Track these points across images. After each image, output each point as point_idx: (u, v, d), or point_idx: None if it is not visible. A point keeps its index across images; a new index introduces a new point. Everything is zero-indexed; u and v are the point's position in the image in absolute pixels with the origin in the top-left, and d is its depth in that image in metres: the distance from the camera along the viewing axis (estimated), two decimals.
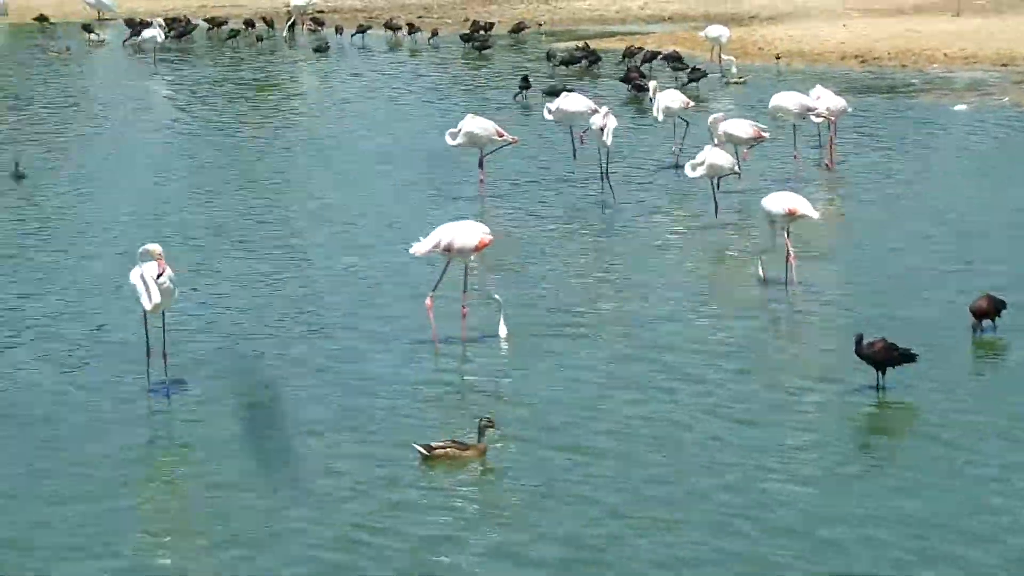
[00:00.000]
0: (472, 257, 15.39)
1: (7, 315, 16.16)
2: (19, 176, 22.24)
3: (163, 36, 33.04)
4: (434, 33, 35.37)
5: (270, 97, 29.54)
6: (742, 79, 29.35)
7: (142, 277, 13.50)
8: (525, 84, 27.81)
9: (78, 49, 34.73)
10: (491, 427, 12.38)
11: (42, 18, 38.50)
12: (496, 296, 15.16)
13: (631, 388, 13.88)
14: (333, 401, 13.63)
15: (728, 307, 16.37)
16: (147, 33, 33.17)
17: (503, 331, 15.07)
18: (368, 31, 36.06)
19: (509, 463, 12.32)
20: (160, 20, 33.90)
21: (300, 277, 17.49)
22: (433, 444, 12.24)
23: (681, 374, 14.15)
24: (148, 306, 13.57)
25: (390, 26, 36.12)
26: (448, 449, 12.22)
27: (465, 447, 12.26)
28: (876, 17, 35.44)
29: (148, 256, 13.45)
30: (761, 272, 16.73)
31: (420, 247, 15.21)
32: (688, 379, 14.02)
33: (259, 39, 35.83)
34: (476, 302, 15.49)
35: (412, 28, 35.85)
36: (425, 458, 12.19)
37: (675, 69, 29.66)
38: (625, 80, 28.52)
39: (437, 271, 15.27)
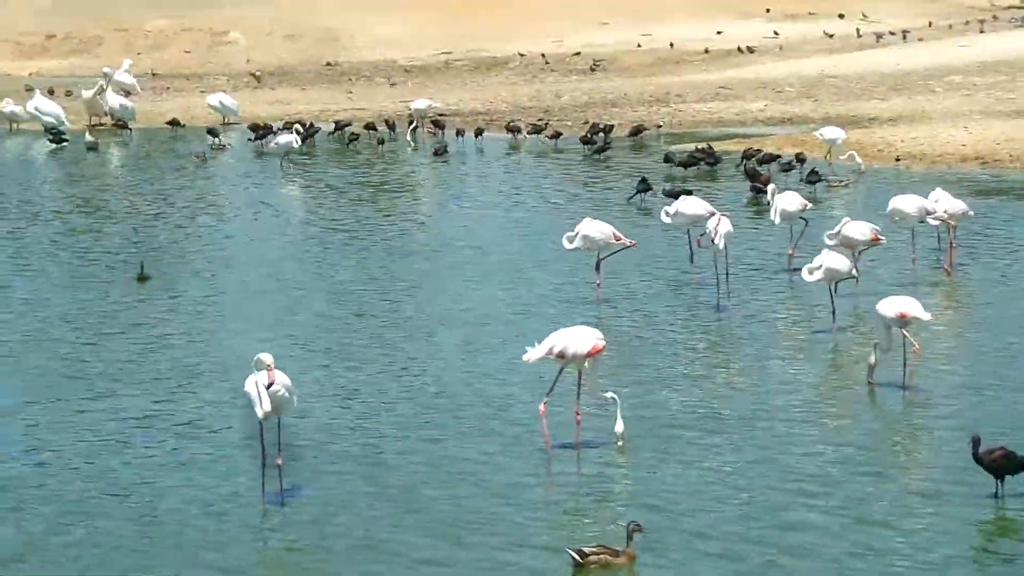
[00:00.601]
0: (586, 363, 15.40)
1: (127, 416, 16.35)
2: (143, 278, 22.58)
3: (299, 143, 33.37)
4: (554, 135, 35.60)
5: (392, 200, 29.80)
6: (844, 183, 29.23)
7: (256, 385, 13.68)
8: (644, 186, 27.87)
9: (207, 153, 35.27)
10: (639, 531, 12.42)
11: (174, 122, 39.17)
12: (612, 394, 15.12)
13: (754, 488, 13.91)
14: (460, 505, 13.70)
15: (844, 409, 16.31)
16: (283, 139, 33.50)
17: (619, 427, 15.02)
18: (488, 133, 36.42)
19: (661, 568, 12.36)
20: (298, 127, 34.25)
21: (415, 380, 17.55)
22: (585, 549, 12.29)
23: (803, 475, 14.20)
24: (260, 414, 13.75)
25: (510, 128, 36.41)
26: (602, 555, 12.23)
27: (617, 553, 12.31)
28: (998, 119, 35.18)
29: (261, 364, 13.63)
30: (871, 376, 16.64)
31: (533, 353, 15.26)
32: (811, 480, 14.08)
33: (381, 142, 36.24)
34: (589, 408, 15.48)
35: (537, 129, 36.03)
36: (578, 564, 12.19)
37: (785, 170, 29.61)
38: (749, 178, 28.53)
39: (551, 377, 15.31)
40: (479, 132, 36.16)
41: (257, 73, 50.02)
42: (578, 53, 50.58)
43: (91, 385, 17.53)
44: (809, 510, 13.43)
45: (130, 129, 38.47)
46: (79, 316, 20.70)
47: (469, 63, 51.08)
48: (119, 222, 27.67)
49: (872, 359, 16.63)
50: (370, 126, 37.32)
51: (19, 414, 16.55)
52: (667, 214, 22.07)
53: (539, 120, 38.07)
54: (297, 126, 34.43)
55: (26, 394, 17.19)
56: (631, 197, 27.92)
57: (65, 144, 36.54)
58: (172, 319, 20.57)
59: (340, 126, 37.27)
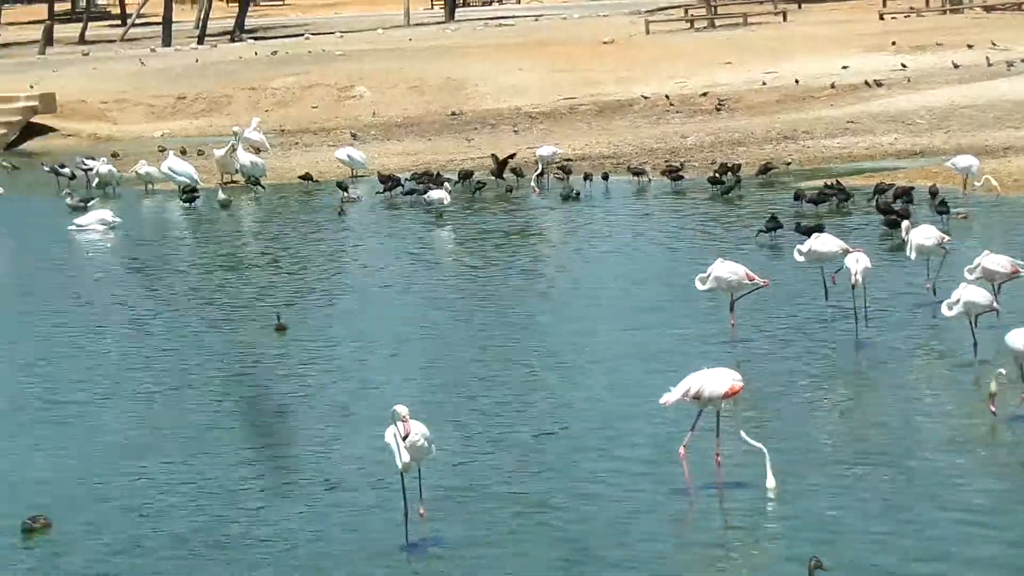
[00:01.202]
0: (723, 404, 15.28)
1: (269, 468, 16.45)
2: (281, 328, 22.80)
3: (449, 198, 33.21)
4: (681, 176, 35.47)
5: (522, 246, 29.87)
6: (964, 216, 28.81)
7: (394, 437, 13.77)
8: (774, 224, 27.69)
9: (337, 205, 35.60)
10: (821, 568, 12.29)
11: (306, 177, 39.52)
12: (760, 445, 14.96)
13: (921, 521, 13.80)
14: (621, 546, 13.63)
15: (995, 440, 16.07)
16: (435, 195, 33.43)
17: (771, 482, 14.82)
18: (615, 177, 36.38)
19: None
20: (447, 184, 34.04)
21: (553, 424, 17.53)
22: None
23: (969, 507, 14.06)
24: (400, 466, 13.82)
25: (636, 171, 36.33)
26: None
27: None
28: None
29: (397, 416, 13.70)
30: (992, 404, 16.39)
31: (669, 397, 15.18)
32: (978, 512, 13.96)
33: (509, 190, 36.29)
34: (729, 449, 15.36)
35: (672, 170, 35.87)
36: None
37: (905, 202, 29.27)
38: (882, 212, 28.24)
39: (689, 420, 15.21)
40: (606, 176, 36.16)
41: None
42: (705, 93, 50.43)
43: (233, 436, 17.69)
44: (984, 542, 13.24)
45: (263, 186, 38.87)
46: (218, 368, 20.95)
47: (593, 107, 51.09)
48: (255, 275, 28.02)
49: (992, 387, 16.38)
50: (496, 173, 37.45)
51: (164, 465, 16.72)
52: (799, 252, 21.88)
53: (666, 161, 37.96)
54: (447, 183, 34.28)
55: (170, 445, 17.37)
56: (758, 234, 27.76)
57: (198, 202, 37.05)
58: (311, 369, 20.73)
59: (465, 175, 37.41)
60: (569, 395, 18.72)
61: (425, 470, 14.26)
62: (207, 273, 28.79)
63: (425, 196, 33.90)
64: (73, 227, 33.43)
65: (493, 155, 38.40)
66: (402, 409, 13.76)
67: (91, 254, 31.46)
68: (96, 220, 33.67)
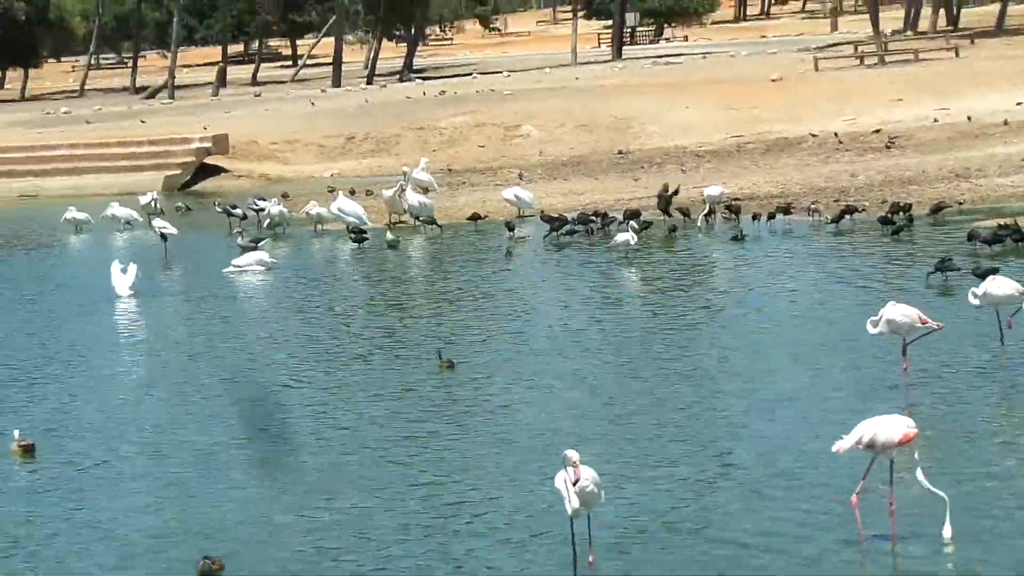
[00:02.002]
0: (895, 452, 15.00)
1: (430, 509, 16.47)
2: (447, 366, 22.95)
3: (635, 239, 32.98)
4: (851, 216, 35.02)
5: (689, 287, 29.65)
6: None
7: (564, 482, 13.74)
8: (947, 265, 27.22)
9: (504, 244, 35.73)
10: None
11: (476, 216, 39.67)
12: (940, 492, 14.66)
13: None
14: None
15: None
16: (620, 237, 33.19)
17: (947, 531, 14.51)
18: (783, 217, 36.04)
19: None
20: (634, 224, 33.75)
21: (726, 467, 17.34)
22: None
23: None
24: (569, 511, 13.79)
25: (807, 210, 35.94)
26: None
27: None
28: None
29: (567, 461, 13.67)
30: None
31: (842, 444, 14.93)
32: None
33: (673, 229, 36.09)
34: (903, 498, 15.07)
35: (852, 209, 35.37)
36: None
37: None
38: None
39: (861, 467, 14.97)
40: (773, 215, 35.86)
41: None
42: (876, 131, 49.87)
43: (402, 475, 17.73)
44: None
45: (439, 225, 39.06)
46: (389, 406, 21.06)
47: (761, 145, 50.77)
48: (420, 314, 28.15)
49: None
50: (662, 208, 37.30)
51: (332, 504, 16.83)
52: (974, 295, 21.47)
53: (836, 200, 37.55)
54: (632, 223, 33.97)
55: (339, 484, 17.48)
56: (930, 275, 27.30)
57: (366, 243, 37.40)
58: (479, 407, 20.79)
59: (631, 215, 37.26)
60: (739, 440, 18.51)
61: (595, 516, 14.19)
62: (373, 312, 28.98)
63: (613, 240, 33.59)
64: (231, 268, 33.85)
65: (663, 188, 38.20)
66: (572, 454, 13.73)
67: (254, 295, 31.79)
68: (254, 261, 34.07)
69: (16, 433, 19.75)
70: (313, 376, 23.55)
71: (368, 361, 24.40)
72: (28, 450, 19.43)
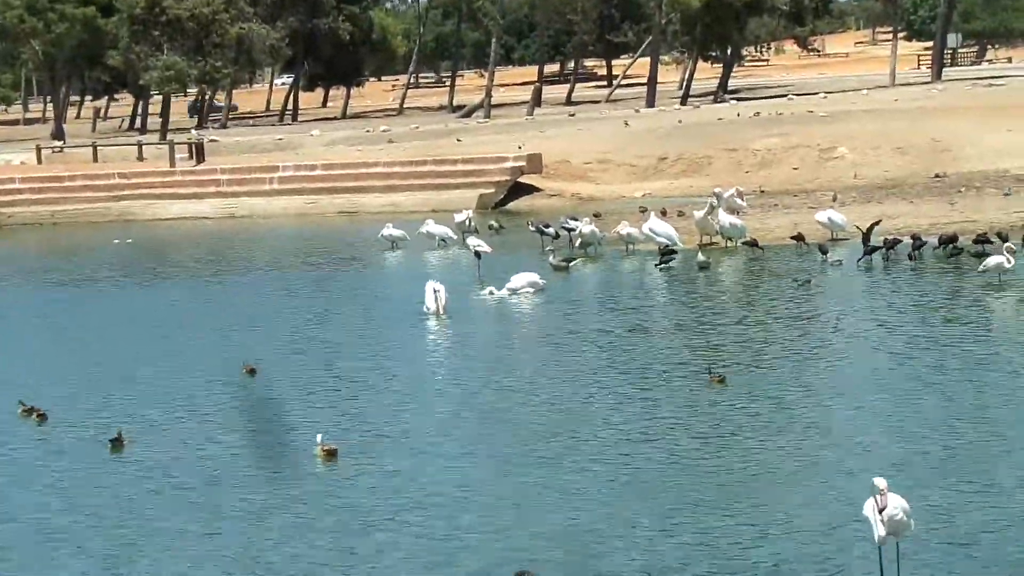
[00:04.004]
0: None
1: (709, 528, 16.36)
2: (720, 380, 23.30)
3: (1011, 262, 31.45)
4: None
5: (990, 318, 28.77)
6: None
7: (872, 510, 13.51)
8: None
9: (816, 267, 35.28)
10: None
11: (799, 237, 39.20)
12: None
13: None
14: None
15: None
16: (993, 260, 31.93)
17: None
18: None
19: None
20: (1009, 245, 32.33)
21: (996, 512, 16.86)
22: None
23: None
24: (876, 539, 13.54)
25: None
26: None
27: None
28: None
29: (875, 489, 13.43)
30: None
31: None
32: None
33: (980, 256, 34.97)
34: None
35: None
36: None
37: None
38: None
39: None
40: None
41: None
42: None
43: (679, 491, 17.67)
44: None
45: (760, 247, 38.83)
46: (692, 422, 21.07)
47: None
48: (720, 335, 27.98)
49: None
50: (981, 239, 36.34)
51: (644, 521, 16.89)
52: None
53: None
54: (1009, 244, 32.78)
55: (646, 496, 17.54)
56: None
57: (675, 263, 37.32)
58: (750, 428, 20.67)
59: (947, 240, 36.40)
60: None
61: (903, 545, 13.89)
62: (676, 332, 28.85)
63: (982, 264, 32.22)
64: (505, 292, 33.78)
65: (871, 226, 37.40)
66: (881, 482, 13.49)
67: (559, 313, 31.86)
68: (526, 283, 34.20)
69: (318, 438, 20.52)
70: (598, 391, 23.65)
71: (649, 376, 24.41)
72: (331, 454, 20.21)
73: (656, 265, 37.34)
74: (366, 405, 23.68)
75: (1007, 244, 32.60)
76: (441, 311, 31.16)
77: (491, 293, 32.40)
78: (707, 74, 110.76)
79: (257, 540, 17.05)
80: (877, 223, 37.67)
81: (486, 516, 17.54)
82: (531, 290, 33.93)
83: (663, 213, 44.84)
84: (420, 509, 17.89)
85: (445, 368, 27.01)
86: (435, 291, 31.45)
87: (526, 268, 35.39)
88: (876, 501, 13.47)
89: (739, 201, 44.34)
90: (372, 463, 19.99)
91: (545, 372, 25.57)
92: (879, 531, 13.48)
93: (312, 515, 17.89)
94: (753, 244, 38.94)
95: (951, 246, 35.77)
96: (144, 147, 74.12)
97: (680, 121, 70.49)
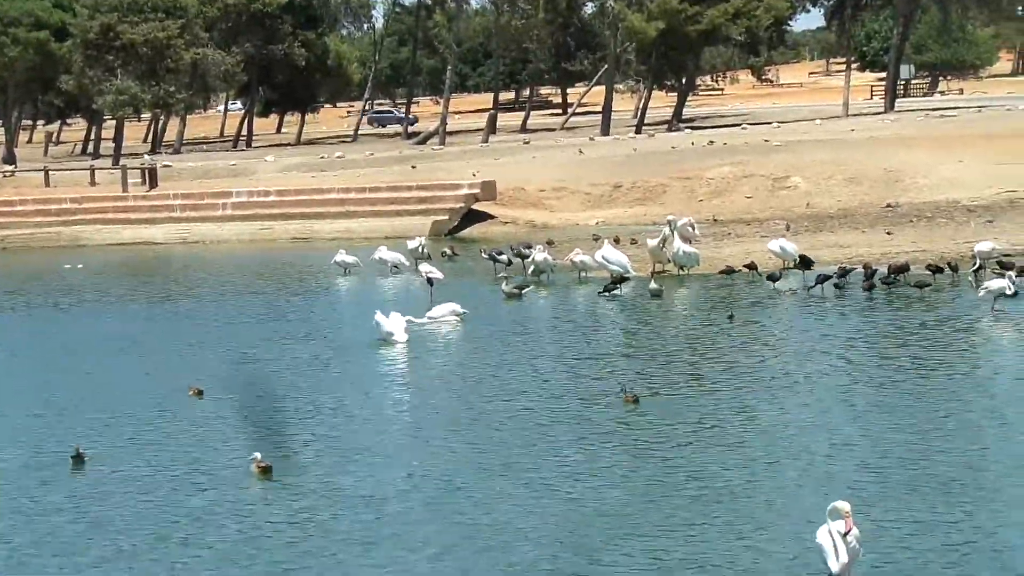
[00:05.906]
0: None
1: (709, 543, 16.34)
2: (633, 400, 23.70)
3: (1012, 289, 31.27)
4: None
5: (951, 345, 28.90)
6: None
7: (830, 534, 13.37)
8: None
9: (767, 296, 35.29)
10: None
11: (751, 266, 39.23)
12: None
13: None
14: None
15: None
16: (995, 284, 31.77)
17: None
18: None
19: None
20: (1011, 275, 32.06)
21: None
22: None
23: None
24: (835, 568, 13.40)
25: None
26: None
27: None
28: None
29: (837, 514, 13.33)
30: None
31: None
32: None
33: (922, 286, 35.15)
34: None
35: None
36: None
37: None
38: None
39: None
40: None
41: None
42: None
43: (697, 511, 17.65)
44: None
45: (757, 269, 38.91)
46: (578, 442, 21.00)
47: None
48: (653, 361, 27.97)
49: None
50: (933, 268, 36.56)
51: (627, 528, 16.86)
52: None
53: None
54: (1011, 274, 32.35)
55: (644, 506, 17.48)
56: None
57: (626, 291, 37.32)
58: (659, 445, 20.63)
59: (896, 269, 36.57)
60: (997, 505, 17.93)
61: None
62: (614, 359, 28.83)
63: (984, 287, 32.09)
64: (424, 320, 33.42)
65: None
66: (843, 505, 13.35)
67: (519, 338, 31.86)
68: (448, 312, 34.19)
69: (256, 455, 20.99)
70: (573, 412, 23.65)
71: (582, 400, 24.41)
72: (266, 471, 20.68)
73: (600, 294, 37.34)
74: (305, 425, 23.98)
75: (1009, 273, 32.37)
76: (401, 335, 31.17)
77: (409, 321, 32.14)
78: (662, 102, 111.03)
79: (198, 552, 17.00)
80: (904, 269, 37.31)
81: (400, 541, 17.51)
82: (454, 319, 33.93)
83: (616, 241, 44.86)
84: (342, 523, 17.84)
85: (383, 393, 27.02)
86: (387, 317, 31.53)
87: (478, 295, 35.31)
88: (839, 526, 13.27)
89: (691, 230, 44.42)
90: (306, 479, 20.43)
91: (472, 397, 25.71)
92: (841, 557, 13.31)
93: (245, 529, 18.23)
94: (807, 264, 38.70)
95: (893, 276, 35.92)
96: (96, 172, 73.84)
97: (635, 149, 70.64)
